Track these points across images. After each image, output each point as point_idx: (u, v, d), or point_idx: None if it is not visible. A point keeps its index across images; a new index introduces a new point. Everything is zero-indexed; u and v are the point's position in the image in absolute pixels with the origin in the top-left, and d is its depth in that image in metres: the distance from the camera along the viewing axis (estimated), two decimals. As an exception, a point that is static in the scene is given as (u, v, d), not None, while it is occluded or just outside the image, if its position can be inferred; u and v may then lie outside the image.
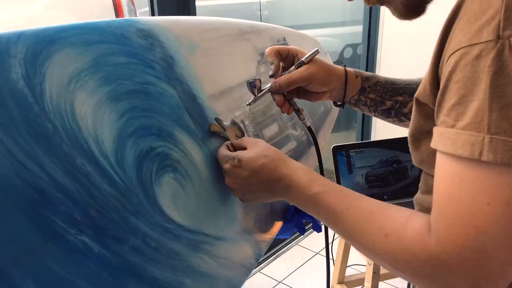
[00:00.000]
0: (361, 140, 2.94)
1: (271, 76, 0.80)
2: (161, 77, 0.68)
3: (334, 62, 0.92)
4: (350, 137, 3.48)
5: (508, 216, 0.45)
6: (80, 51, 0.59)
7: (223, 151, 0.72)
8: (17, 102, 0.51)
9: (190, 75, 0.74)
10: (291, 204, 0.67)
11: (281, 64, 0.82)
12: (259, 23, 0.99)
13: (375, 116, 0.89)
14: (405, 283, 1.59)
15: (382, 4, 0.67)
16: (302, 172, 0.66)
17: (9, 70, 0.51)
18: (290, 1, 3.41)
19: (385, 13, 2.71)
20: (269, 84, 0.80)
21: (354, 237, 0.58)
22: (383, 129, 2.88)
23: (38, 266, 0.50)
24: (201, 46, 0.78)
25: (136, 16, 2.41)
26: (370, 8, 2.73)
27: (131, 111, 0.63)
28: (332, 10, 3.44)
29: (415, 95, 0.59)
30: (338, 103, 0.89)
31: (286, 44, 1.02)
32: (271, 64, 0.80)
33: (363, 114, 2.95)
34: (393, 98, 0.86)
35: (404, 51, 2.52)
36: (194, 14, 1.61)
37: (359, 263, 2.08)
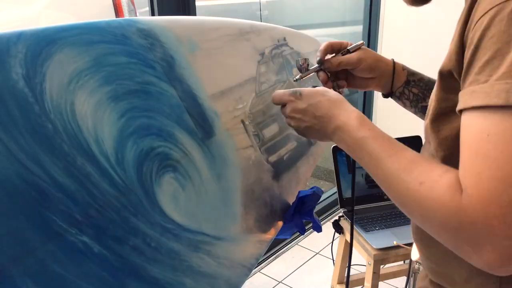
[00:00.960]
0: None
1: (318, 62, 0.84)
2: (161, 77, 0.68)
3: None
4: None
5: None
6: (80, 51, 0.59)
7: (283, 90, 0.78)
8: (18, 102, 0.51)
9: (190, 75, 0.74)
10: (338, 146, 0.70)
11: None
12: (259, 23, 0.99)
13: (415, 112, 0.91)
14: (405, 283, 1.59)
15: None
16: (355, 115, 0.67)
17: (10, 70, 0.51)
18: (290, 1, 3.41)
19: (385, 13, 2.71)
20: (317, 65, 0.85)
21: (390, 183, 0.58)
22: (383, 129, 2.88)
23: (38, 266, 0.50)
24: (201, 46, 0.78)
25: (136, 16, 2.41)
26: (370, 8, 2.73)
27: (131, 111, 0.63)
28: (332, 10, 3.44)
29: (439, 70, 0.60)
30: (385, 94, 0.92)
31: (286, 44, 1.02)
32: (317, 52, 0.85)
33: (363, 114, 2.94)
34: None
35: (404, 51, 2.52)
36: (194, 14, 1.61)
37: (359, 263, 2.08)
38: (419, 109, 0.90)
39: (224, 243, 0.74)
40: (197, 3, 1.62)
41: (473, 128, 0.49)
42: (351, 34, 3.27)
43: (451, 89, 0.58)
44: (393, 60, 0.88)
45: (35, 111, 0.52)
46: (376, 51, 3.11)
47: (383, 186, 0.61)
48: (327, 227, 1.92)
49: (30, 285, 0.49)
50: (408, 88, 0.89)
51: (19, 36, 0.53)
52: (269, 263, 2.29)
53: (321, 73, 0.84)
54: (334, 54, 0.86)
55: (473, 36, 0.51)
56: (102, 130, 0.58)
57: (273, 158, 0.91)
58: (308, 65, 0.84)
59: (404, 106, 0.91)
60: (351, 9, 3.38)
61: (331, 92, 0.73)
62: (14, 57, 0.52)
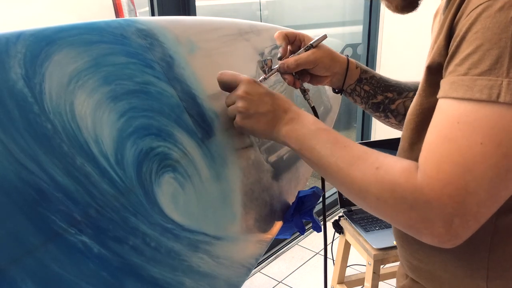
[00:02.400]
0: (361, 140, 2.94)
1: (279, 58, 0.85)
2: (160, 77, 0.68)
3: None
4: (350, 137, 3.48)
5: (497, 156, 0.49)
6: (80, 51, 0.59)
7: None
8: (17, 102, 0.51)
9: (189, 75, 0.74)
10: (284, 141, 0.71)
11: (288, 47, 0.86)
12: (259, 23, 0.99)
13: (365, 108, 0.94)
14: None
15: None
16: (310, 115, 0.71)
17: (9, 70, 0.51)
18: (290, 1, 3.41)
19: (385, 13, 2.71)
20: (278, 65, 0.84)
21: (343, 169, 0.61)
22: (383, 129, 2.88)
23: (38, 266, 0.50)
24: (201, 46, 0.78)
25: (136, 16, 2.41)
26: (370, 8, 2.73)
27: (131, 111, 0.63)
28: (332, 10, 3.44)
29: (427, 64, 0.62)
30: (336, 90, 0.94)
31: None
32: (279, 47, 0.85)
33: (363, 114, 2.95)
34: (384, 93, 0.91)
35: (404, 51, 2.52)
36: (194, 14, 1.61)
37: (359, 263, 2.08)
38: (369, 106, 0.93)
39: (223, 243, 0.74)
40: (197, 3, 1.62)
41: (446, 114, 0.52)
42: (351, 34, 3.27)
43: (438, 84, 0.59)
44: (347, 58, 0.90)
45: (34, 111, 0.52)
46: (376, 51, 3.10)
47: (335, 175, 0.63)
48: (327, 227, 1.92)
49: (30, 285, 0.49)
50: (360, 85, 0.91)
51: (19, 36, 0.53)
52: (269, 263, 2.29)
53: (287, 76, 0.84)
54: (292, 55, 0.84)
55: (460, 29, 0.53)
56: (102, 130, 0.58)
57: (272, 158, 0.91)
58: (271, 65, 0.83)
59: (355, 102, 0.93)
60: (351, 9, 3.38)
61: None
62: (13, 57, 0.52)
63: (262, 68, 0.83)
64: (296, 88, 0.85)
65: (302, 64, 0.83)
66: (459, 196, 0.50)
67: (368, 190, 0.58)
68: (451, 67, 0.54)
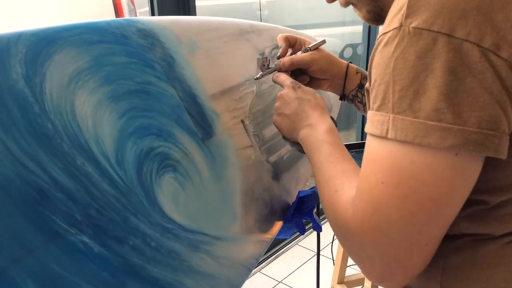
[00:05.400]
0: (361, 140, 2.94)
1: (278, 58, 0.87)
2: (161, 77, 0.68)
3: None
4: (350, 137, 3.49)
5: (398, 197, 0.47)
6: (80, 51, 0.59)
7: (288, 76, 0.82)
8: (18, 102, 0.51)
9: (190, 75, 0.74)
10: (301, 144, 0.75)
11: (289, 50, 0.88)
12: (259, 23, 0.99)
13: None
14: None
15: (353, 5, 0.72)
16: (327, 123, 0.73)
17: (10, 70, 0.51)
18: (290, 1, 3.41)
19: (385, 13, 2.71)
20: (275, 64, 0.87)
21: (322, 185, 0.64)
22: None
23: (38, 266, 0.50)
24: (201, 46, 0.78)
25: (136, 16, 2.41)
26: (370, 8, 2.73)
27: (131, 111, 0.63)
28: (332, 10, 3.43)
29: None
30: (340, 96, 0.93)
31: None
32: (280, 47, 0.87)
33: (363, 115, 2.95)
34: None
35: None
36: (194, 14, 1.61)
37: (359, 263, 2.08)
38: None
39: (224, 243, 0.74)
40: (197, 3, 1.62)
41: (366, 151, 0.52)
42: (351, 34, 3.27)
43: None
44: (348, 63, 0.90)
45: (35, 111, 0.52)
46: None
47: (317, 186, 0.65)
48: (327, 227, 1.92)
49: (30, 285, 0.49)
50: (361, 91, 0.90)
51: (19, 36, 0.53)
52: (269, 263, 2.29)
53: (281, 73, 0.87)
54: (290, 52, 0.88)
55: (369, 63, 0.54)
56: (102, 130, 0.58)
57: (273, 158, 0.91)
58: (269, 64, 0.88)
59: (358, 109, 0.93)
60: (351, 9, 3.38)
61: (319, 98, 0.78)
62: (14, 57, 0.52)
63: (261, 66, 0.87)
64: None
65: (296, 63, 0.84)
66: (374, 236, 0.49)
67: (326, 210, 0.60)
68: (369, 103, 0.54)
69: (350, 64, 0.90)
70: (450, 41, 0.44)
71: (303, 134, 0.73)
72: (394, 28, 0.47)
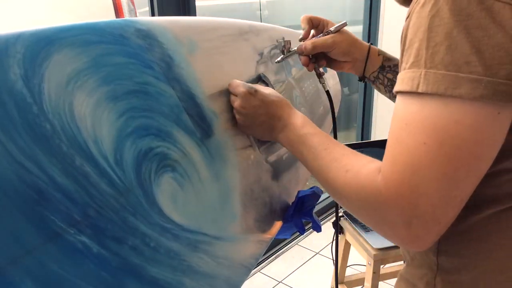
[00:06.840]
0: (361, 140, 2.94)
1: (300, 40, 0.88)
2: (160, 77, 0.68)
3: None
4: (350, 137, 3.48)
5: (441, 156, 0.49)
6: (79, 52, 0.59)
7: (240, 81, 0.80)
8: (16, 102, 0.51)
9: (189, 75, 0.74)
10: (281, 144, 0.77)
11: (312, 31, 0.90)
12: (258, 23, 1.00)
13: (390, 98, 0.94)
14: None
15: None
16: (299, 116, 0.75)
17: (8, 70, 0.51)
18: (290, 1, 3.41)
19: (385, 13, 2.71)
20: (296, 47, 0.88)
21: (324, 171, 0.64)
22: (383, 129, 2.88)
23: (38, 266, 0.50)
24: (200, 46, 0.78)
25: (136, 16, 2.41)
26: (370, 8, 2.73)
27: (130, 111, 0.63)
28: (332, 10, 3.44)
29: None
30: (360, 77, 0.94)
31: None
32: (303, 30, 0.88)
33: (363, 114, 2.95)
34: None
35: (404, 51, 2.51)
36: (194, 14, 1.61)
37: (359, 263, 2.08)
38: (394, 94, 0.92)
39: (223, 243, 0.74)
40: (197, 3, 1.62)
41: (396, 115, 0.53)
42: (351, 34, 3.27)
43: None
44: (370, 44, 0.90)
45: (33, 111, 0.52)
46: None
47: (318, 176, 0.66)
48: (327, 227, 1.93)
49: (29, 285, 0.49)
50: (382, 73, 0.91)
51: (18, 37, 0.53)
52: (269, 263, 2.29)
53: (302, 57, 0.88)
54: (312, 35, 0.89)
55: (404, 28, 0.56)
56: (101, 130, 0.58)
57: (272, 158, 0.91)
58: (290, 47, 0.88)
59: (379, 90, 0.94)
60: (351, 9, 3.38)
61: (279, 95, 0.79)
62: (12, 57, 0.52)
63: (282, 49, 0.88)
64: (309, 71, 0.88)
65: (318, 46, 0.85)
66: (412, 198, 0.50)
67: (339, 193, 0.60)
68: (402, 65, 0.56)
69: (372, 45, 0.90)
70: (483, 1, 0.47)
71: (283, 138, 0.75)
72: None
